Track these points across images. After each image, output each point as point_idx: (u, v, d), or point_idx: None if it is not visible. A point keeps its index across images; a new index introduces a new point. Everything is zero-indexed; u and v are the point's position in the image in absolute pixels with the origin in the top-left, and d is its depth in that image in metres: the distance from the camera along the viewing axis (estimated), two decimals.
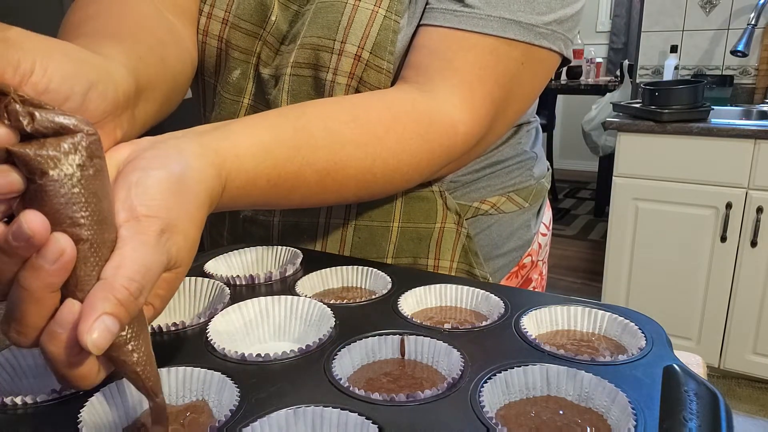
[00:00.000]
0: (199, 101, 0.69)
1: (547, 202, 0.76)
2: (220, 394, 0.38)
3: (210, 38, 0.61)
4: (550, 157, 4.28)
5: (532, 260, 0.73)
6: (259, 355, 0.41)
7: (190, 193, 0.33)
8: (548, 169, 0.74)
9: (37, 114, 0.26)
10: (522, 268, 0.71)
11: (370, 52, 0.54)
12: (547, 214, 0.76)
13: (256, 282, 0.55)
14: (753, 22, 2.04)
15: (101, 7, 0.49)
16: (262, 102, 0.62)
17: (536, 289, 0.76)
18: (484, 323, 0.45)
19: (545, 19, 0.52)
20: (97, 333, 0.26)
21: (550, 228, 0.78)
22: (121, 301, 0.27)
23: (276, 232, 0.65)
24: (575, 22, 0.55)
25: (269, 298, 0.48)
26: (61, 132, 0.26)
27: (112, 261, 0.28)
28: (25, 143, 0.26)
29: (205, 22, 0.60)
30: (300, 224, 0.64)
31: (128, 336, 0.29)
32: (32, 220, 0.25)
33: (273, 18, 0.59)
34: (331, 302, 0.49)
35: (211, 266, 0.57)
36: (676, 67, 2.33)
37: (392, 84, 0.56)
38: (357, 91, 0.56)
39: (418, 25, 0.55)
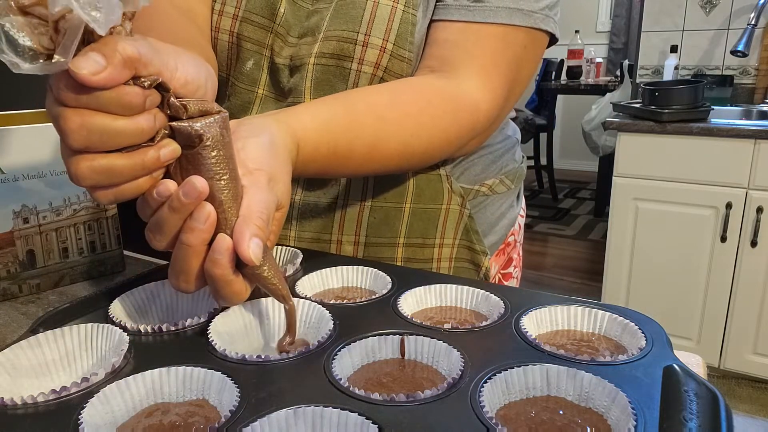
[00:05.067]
0: None
1: (522, 188, 0.86)
2: (220, 394, 0.38)
3: (221, 33, 0.66)
4: (549, 157, 4.28)
5: (515, 239, 0.81)
6: (259, 355, 0.41)
7: (280, 153, 0.44)
8: (523, 156, 0.84)
9: (187, 104, 0.35)
10: (507, 246, 0.79)
11: (394, 44, 0.61)
12: (523, 199, 0.85)
13: None
14: (753, 22, 2.04)
15: (147, 22, 0.56)
16: (278, 91, 0.66)
17: (516, 268, 0.84)
18: (484, 323, 0.45)
19: (540, 5, 0.61)
20: (253, 246, 0.37)
21: (525, 212, 0.87)
22: (259, 227, 0.38)
23: (296, 211, 0.68)
24: (558, 7, 0.65)
25: (269, 299, 0.48)
26: (205, 113, 0.36)
27: (244, 203, 0.38)
28: (183, 122, 0.35)
29: (217, 18, 0.66)
30: (319, 204, 0.68)
31: (263, 259, 0.39)
32: (200, 182, 0.35)
33: (282, 11, 0.64)
34: (331, 302, 0.49)
35: None
36: (676, 67, 2.32)
37: (413, 71, 0.63)
38: (382, 79, 0.62)
39: (436, 20, 0.62)
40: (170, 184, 0.36)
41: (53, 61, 0.29)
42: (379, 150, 0.55)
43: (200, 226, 0.36)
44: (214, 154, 0.36)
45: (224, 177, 0.37)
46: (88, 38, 0.30)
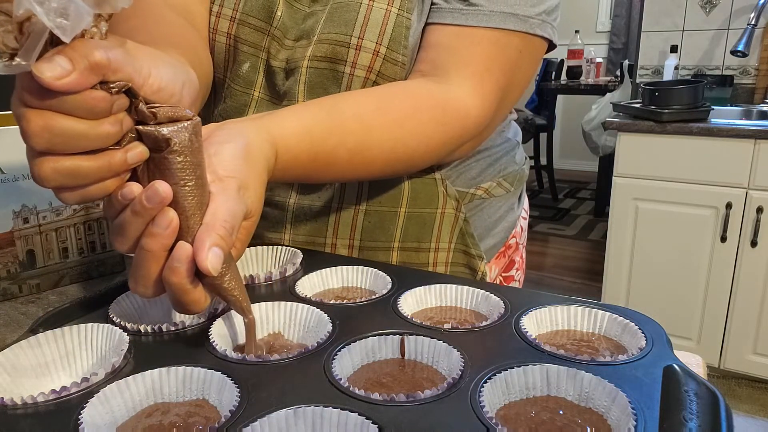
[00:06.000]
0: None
1: (525, 189, 0.84)
2: (220, 394, 0.38)
3: (219, 35, 0.65)
4: (549, 157, 4.28)
5: (516, 242, 0.80)
6: (259, 355, 0.41)
7: (254, 159, 0.42)
8: (526, 158, 0.82)
9: (157, 111, 0.34)
10: (508, 249, 0.78)
11: (387, 48, 0.60)
12: (526, 200, 0.84)
13: (256, 282, 0.55)
14: (753, 22, 2.04)
15: (139, 22, 0.55)
16: (273, 94, 0.66)
17: (518, 271, 0.83)
18: (484, 323, 0.45)
19: (536, 10, 0.59)
20: (211, 257, 0.36)
21: (528, 213, 0.86)
22: (221, 236, 0.37)
23: (290, 214, 0.67)
24: (558, 12, 0.64)
25: (269, 303, 0.48)
26: (175, 120, 0.35)
27: (210, 210, 0.37)
28: (150, 126, 0.35)
29: (214, 21, 0.65)
30: (313, 207, 0.67)
31: (224, 269, 0.38)
32: (163, 187, 0.35)
33: (279, 13, 0.64)
34: (331, 302, 0.49)
35: None
36: (676, 67, 2.32)
37: (406, 74, 0.61)
38: (375, 83, 0.61)
39: (429, 23, 0.60)
40: (135, 187, 0.35)
41: (14, 63, 0.28)
42: (362, 156, 0.54)
43: (161, 232, 0.36)
44: (180, 159, 0.35)
45: (189, 183, 0.36)
46: (57, 40, 0.29)
